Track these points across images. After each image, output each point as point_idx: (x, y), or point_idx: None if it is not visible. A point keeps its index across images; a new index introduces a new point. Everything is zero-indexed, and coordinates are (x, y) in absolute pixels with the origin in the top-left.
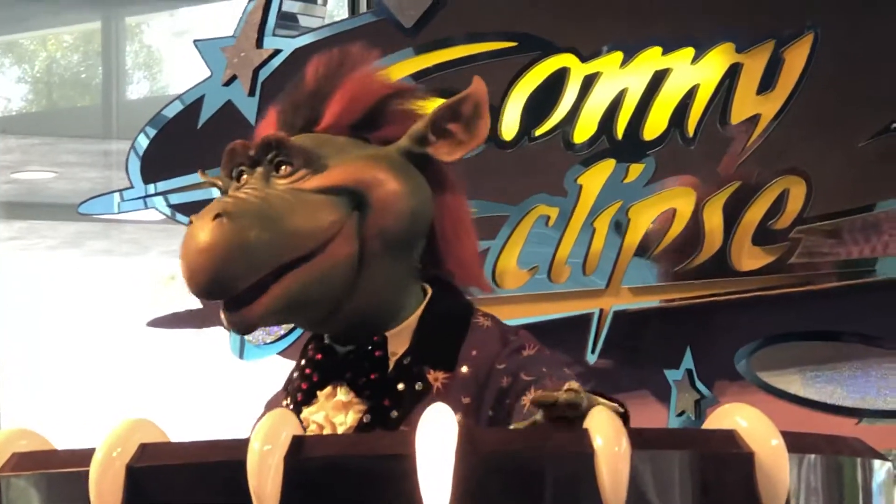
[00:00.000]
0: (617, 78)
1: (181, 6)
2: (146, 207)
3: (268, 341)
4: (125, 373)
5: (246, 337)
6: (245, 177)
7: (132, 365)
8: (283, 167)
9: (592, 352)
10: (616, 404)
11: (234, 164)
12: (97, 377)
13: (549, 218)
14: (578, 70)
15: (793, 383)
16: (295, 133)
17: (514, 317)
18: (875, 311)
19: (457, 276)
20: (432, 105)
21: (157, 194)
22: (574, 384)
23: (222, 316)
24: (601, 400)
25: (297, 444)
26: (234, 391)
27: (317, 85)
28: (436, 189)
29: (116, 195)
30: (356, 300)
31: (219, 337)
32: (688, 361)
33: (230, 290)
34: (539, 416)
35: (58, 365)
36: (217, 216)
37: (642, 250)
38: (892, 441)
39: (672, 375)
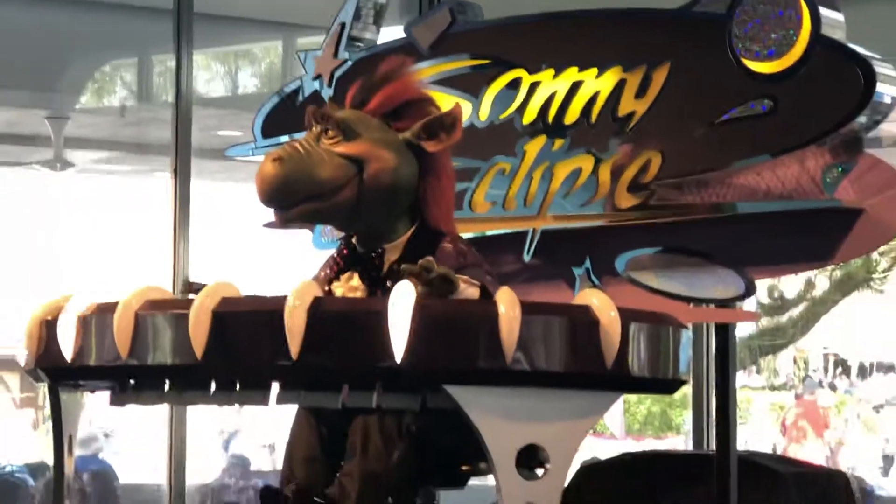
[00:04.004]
0: (550, 85)
1: None
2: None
3: (331, 240)
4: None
5: (319, 235)
6: (315, 126)
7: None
8: (329, 131)
9: (527, 254)
10: (476, 282)
11: (310, 119)
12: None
13: (504, 169)
14: (527, 79)
15: (651, 279)
16: (354, 107)
17: (482, 230)
18: (705, 236)
19: (434, 219)
20: (436, 110)
21: (271, 144)
22: (430, 259)
23: (274, 215)
24: (459, 276)
25: (317, 301)
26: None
27: (377, 80)
28: (423, 166)
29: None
30: (363, 222)
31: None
32: (587, 263)
33: (277, 204)
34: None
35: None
36: (276, 159)
37: (561, 192)
38: (712, 317)
39: (577, 271)
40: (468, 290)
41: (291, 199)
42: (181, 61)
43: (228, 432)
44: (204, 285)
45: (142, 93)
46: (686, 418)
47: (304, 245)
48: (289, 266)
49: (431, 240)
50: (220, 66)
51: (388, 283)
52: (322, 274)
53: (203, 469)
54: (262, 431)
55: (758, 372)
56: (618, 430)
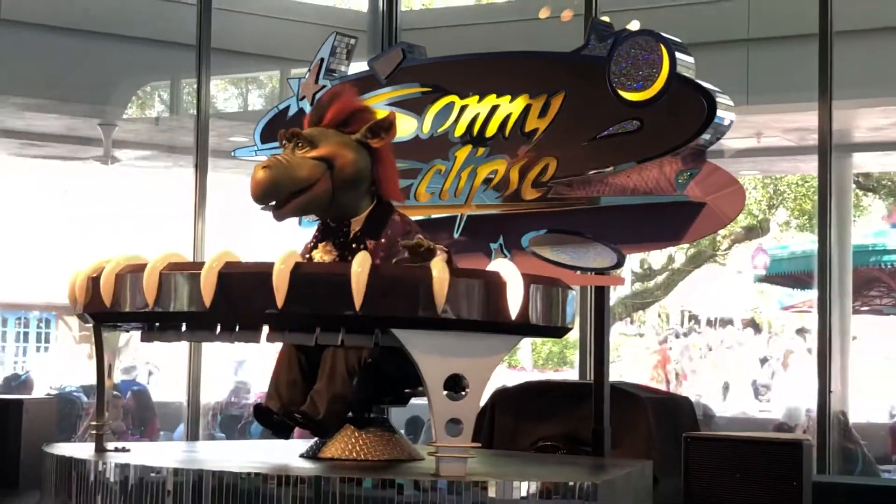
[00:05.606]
0: (475, 107)
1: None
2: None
3: (311, 220)
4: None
5: (303, 218)
6: (288, 144)
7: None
8: (300, 144)
9: (457, 232)
10: (446, 249)
11: (282, 139)
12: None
13: (440, 170)
14: (458, 103)
15: (547, 252)
16: (313, 125)
17: (424, 214)
18: (588, 221)
19: (385, 193)
20: (375, 117)
21: (268, 148)
22: (420, 237)
23: (272, 214)
24: (439, 246)
25: (297, 265)
26: (296, 240)
27: (325, 102)
28: (373, 157)
29: (254, 148)
30: (336, 207)
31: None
32: (500, 240)
33: (268, 202)
34: (406, 253)
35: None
36: (265, 167)
37: (482, 187)
38: (592, 281)
39: (493, 246)
40: (442, 254)
41: (279, 196)
42: (202, 84)
43: (236, 361)
44: None
45: (173, 107)
46: (576, 356)
47: (291, 224)
48: (279, 239)
49: (384, 214)
50: (233, 88)
51: (354, 246)
52: (306, 246)
53: (214, 390)
54: (261, 362)
55: (631, 323)
56: (527, 364)
